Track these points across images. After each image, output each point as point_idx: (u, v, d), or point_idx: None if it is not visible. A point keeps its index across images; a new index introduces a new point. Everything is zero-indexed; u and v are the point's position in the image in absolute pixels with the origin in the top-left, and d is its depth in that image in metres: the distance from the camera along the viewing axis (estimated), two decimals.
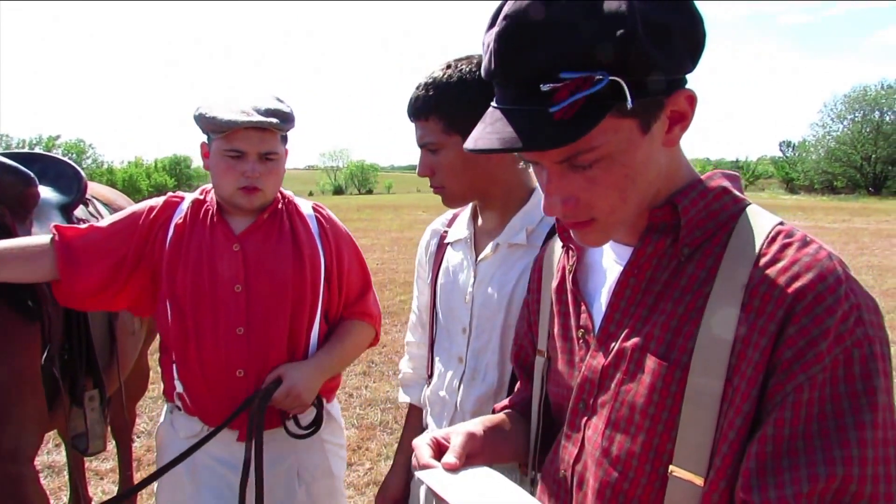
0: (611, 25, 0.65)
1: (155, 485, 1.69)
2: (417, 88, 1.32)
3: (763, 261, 0.72)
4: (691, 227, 0.77)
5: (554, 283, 0.97)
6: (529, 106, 0.68)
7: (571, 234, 0.85)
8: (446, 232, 1.51)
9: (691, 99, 0.74)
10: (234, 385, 1.59)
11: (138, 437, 3.76)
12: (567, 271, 0.93)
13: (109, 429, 2.74)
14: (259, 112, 1.56)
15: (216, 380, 1.59)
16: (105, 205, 2.32)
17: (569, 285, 0.92)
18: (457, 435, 0.86)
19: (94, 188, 2.44)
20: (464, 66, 1.30)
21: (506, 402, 1.11)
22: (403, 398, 1.67)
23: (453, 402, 1.42)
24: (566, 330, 0.92)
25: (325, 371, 1.66)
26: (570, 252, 0.93)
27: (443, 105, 1.29)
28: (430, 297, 1.53)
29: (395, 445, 1.72)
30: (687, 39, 0.71)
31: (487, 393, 1.34)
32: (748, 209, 0.78)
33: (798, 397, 0.66)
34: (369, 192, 67.76)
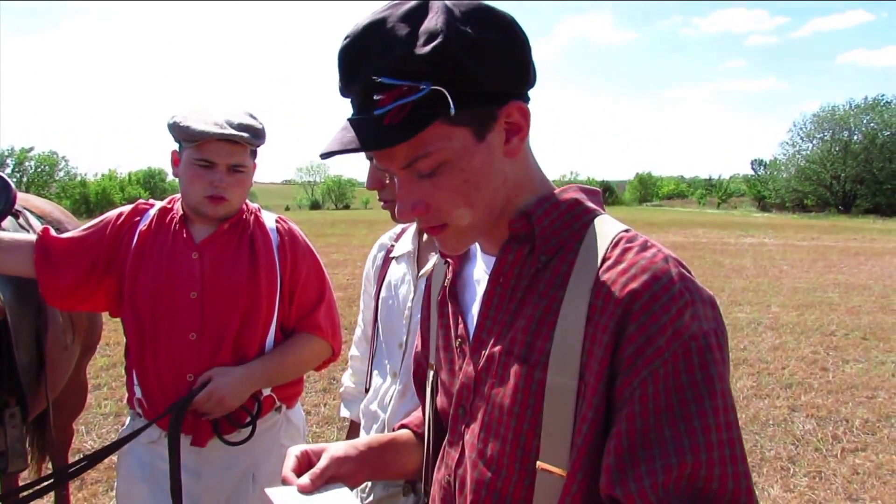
0: (427, 39, 0.72)
1: (114, 490, 1.78)
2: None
3: (606, 264, 0.77)
4: (545, 235, 0.82)
5: (437, 297, 1.01)
6: (366, 114, 0.75)
7: (438, 246, 0.89)
8: (393, 246, 1.52)
9: (523, 111, 0.80)
10: (185, 390, 1.63)
11: (83, 454, 3.61)
12: (445, 284, 0.98)
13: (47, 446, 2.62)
14: (232, 126, 1.62)
15: (169, 384, 1.64)
16: (38, 217, 2.29)
17: (448, 299, 0.96)
18: (325, 456, 0.90)
19: (30, 200, 2.42)
20: None
21: (402, 421, 1.12)
22: (344, 413, 1.68)
23: (383, 417, 1.40)
24: (448, 341, 0.96)
25: (256, 379, 1.67)
26: (450, 267, 0.97)
27: None
28: (373, 310, 1.52)
29: None
30: (507, 56, 0.77)
31: (415, 410, 1.26)
32: (597, 219, 0.84)
33: (644, 391, 0.71)
34: (346, 207, 67.59)
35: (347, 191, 76.28)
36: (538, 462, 0.78)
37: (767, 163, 55.09)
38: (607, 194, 58.23)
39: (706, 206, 54.82)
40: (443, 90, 0.71)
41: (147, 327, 1.65)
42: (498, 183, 0.82)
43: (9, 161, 46.50)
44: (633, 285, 0.73)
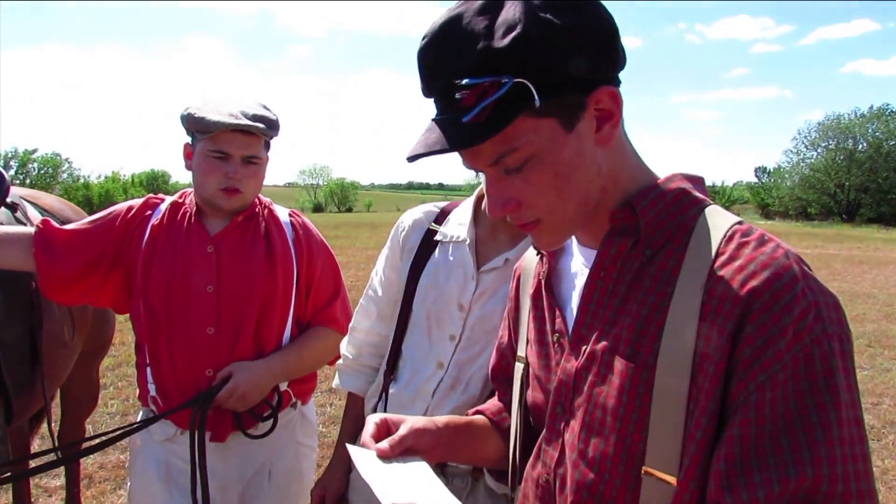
0: (506, 31, 0.70)
1: (128, 487, 1.77)
2: None
3: (720, 260, 0.72)
4: (650, 228, 0.78)
5: (531, 290, 0.99)
6: (450, 114, 0.73)
7: (533, 243, 0.88)
8: (435, 228, 1.43)
9: (614, 96, 0.76)
10: (204, 385, 1.61)
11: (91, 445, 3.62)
12: (541, 277, 0.95)
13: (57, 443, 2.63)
14: (247, 117, 1.61)
15: (186, 379, 1.62)
16: (42, 209, 2.23)
17: (543, 291, 0.94)
18: (405, 426, 0.89)
19: (41, 198, 2.35)
20: None
21: (476, 409, 1.12)
22: (345, 385, 1.59)
23: (424, 406, 1.36)
24: (542, 335, 0.93)
25: (277, 373, 1.66)
26: (544, 259, 0.95)
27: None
28: (402, 291, 1.45)
29: None
30: (591, 39, 0.73)
31: (465, 403, 1.29)
32: (707, 209, 0.79)
33: (761, 397, 0.66)
34: (349, 210, 67.62)
35: (350, 194, 76.41)
36: (644, 467, 0.74)
37: (771, 171, 55.04)
38: None
39: None
40: (526, 82, 0.69)
41: (163, 322, 1.63)
42: (591, 174, 0.78)
43: (12, 163, 46.71)
44: (753, 283, 0.69)
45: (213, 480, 1.65)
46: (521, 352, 1.00)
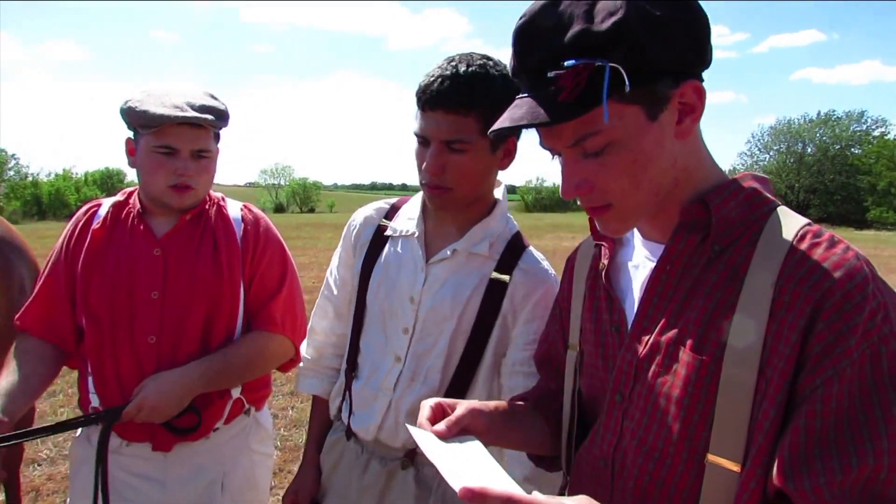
0: (606, 16, 0.72)
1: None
2: (454, 77, 1.18)
3: (792, 259, 0.75)
4: (722, 225, 0.80)
5: (587, 282, 1.01)
6: (540, 91, 0.75)
7: (597, 226, 0.89)
8: (385, 224, 1.44)
9: (699, 91, 0.78)
10: None
11: (39, 464, 3.50)
12: (600, 269, 0.96)
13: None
14: (193, 108, 1.50)
15: (130, 390, 1.51)
16: None
17: (601, 282, 0.95)
18: (461, 407, 0.91)
19: None
20: (500, 68, 1.22)
21: (517, 395, 1.13)
22: (306, 389, 1.58)
23: (387, 401, 1.37)
24: (599, 325, 0.95)
25: (194, 382, 1.51)
26: (603, 251, 0.96)
27: (488, 104, 1.18)
28: (356, 289, 1.46)
29: None
30: (686, 33, 0.75)
31: (426, 395, 1.29)
32: (778, 209, 0.81)
33: (828, 390, 0.69)
34: (311, 210, 66.90)
35: (313, 194, 75.55)
36: (708, 455, 0.77)
37: (727, 172, 56.35)
38: (572, 200, 58.83)
39: None
40: (619, 68, 0.71)
41: (106, 332, 1.53)
42: (667, 165, 0.80)
43: None
44: (826, 283, 0.71)
45: (162, 493, 1.58)
46: (573, 340, 1.02)
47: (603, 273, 0.96)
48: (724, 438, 0.76)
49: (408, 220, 1.41)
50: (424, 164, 1.24)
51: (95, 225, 1.59)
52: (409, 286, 1.35)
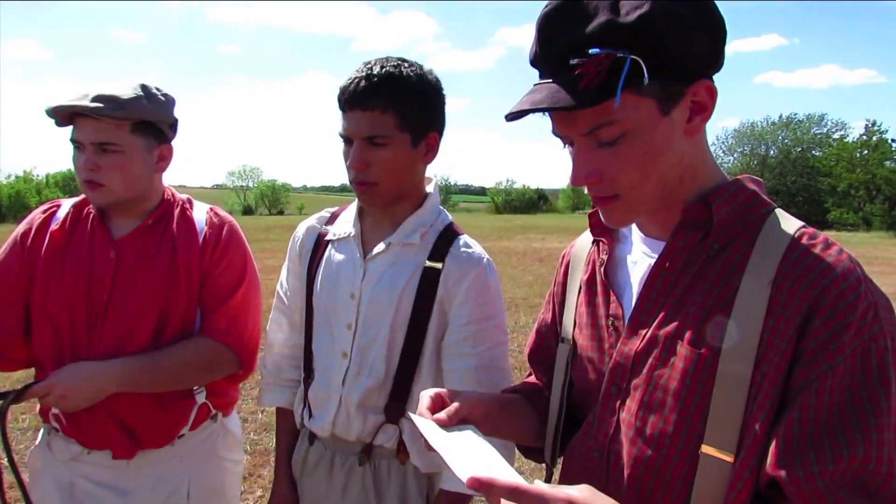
0: (631, 9, 0.75)
1: None
2: (369, 78, 1.26)
3: (790, 258, 0.78)
4: (723, 224, 0.83)
5: (584, 276, 1.03)
6: (561, 77, 0.77)
7: (600, 216, 0.91)
8: (326, 230, 1.50)
9: (711, 90, 0.81)
10: (109, 401, 1.45)
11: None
12: (598, 264, 0.99)
13: None
14: (88, 98, 1.41)
15: None
16: None
17: (599, 277, 0.98)
18: (459, 397, 0.93)
19: None
20: (415, 69, 1.30)
21: (510, 387, 1.17)
22: (269, 402, 1.61)
23: (337, 397, 1.41)
24: (595, 318, 0.98)
25: (113, 378, 1.43)
26: (602, 246, 0.99)
27: (402, 100, 1.27)
28: (304, 295, 1.50)
29: None
30: (704, 34, 0.78)
31: (373, 386, 1.38)
32: (776, 211, 0.84)
33: (822, 384, 0.72)
34: (280, 212, 66.23)
35: (282, 196, 74.85)
36: (703, 446, 0.80)
37: None
38: (541, 202, 59.24)
39: None
40: (640, 60, 0.73)
41: (66, 337, 1.48)
42: (674, 160, 0.83)
43: None
44: (822, 282, 0.75)
45: (125, 503, 1.54)
46: (565, 334, 1.05)
47: (601, 268, 0.98)
48: (718, 430, 0.78)
49: (345, 223, 1.48)
50: (349, 161, 1.31)
51: (54, 226, 1.53)
52: (349, 284, 1.40)
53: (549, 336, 1.13)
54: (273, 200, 73.49)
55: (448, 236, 1.40)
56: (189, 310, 1.55)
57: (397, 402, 1.39)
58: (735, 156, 46.43)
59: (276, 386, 1.61)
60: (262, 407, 4.45)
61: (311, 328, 1.49)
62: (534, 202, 58.50)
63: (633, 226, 0.96)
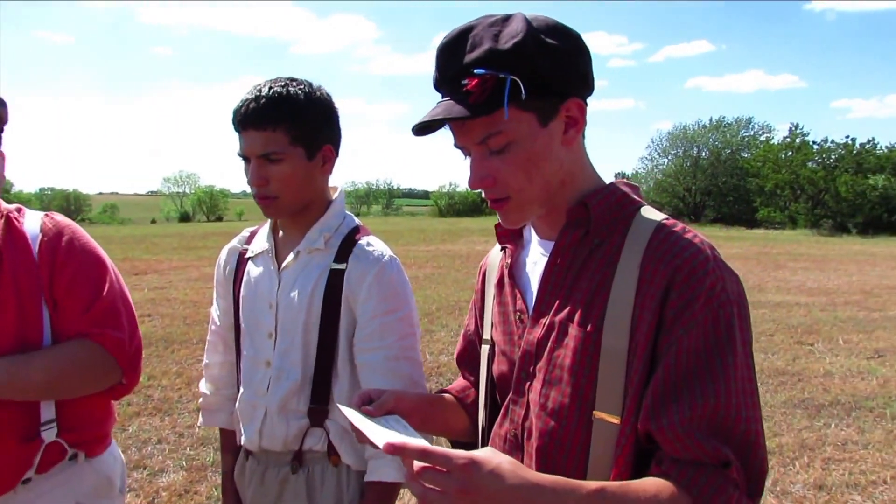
0: (508, 38, 0.90)
1: None
2: (258, 100, 1.35)
3: (653, 244, 0.91)
4: (599, 221, 0.97)
5: (495, 280, 1.16)
6: (455, 96, 0.92)
7: (501, 222, 1.05)
8: (245, 249, 1.58)
9: (581, 107, 0.96)
10: None
11: None
12: (505, 268, 1.12)
13: None
14: None
15: None
16: None
17: (506, 278, 1.11)
18: (388, 393, 1.04)
19: None
20: (303, 87, 1.39)
21: (441, 389, 1.27)
22: (210, 423, 1.64)
23: (264, 406, 1.46)
24: (506, 316, 1.10)
25: None
26: (508, 252, 1.12)
27: (292, 117, 1.35)
28: (232, 313, 1.57)
29: None
30: (571, 61, 0.93)
31: (292, 388, 1.43)
32: (643, 208, 0.99)
33: (679, 346, 0.85)
34: (219, 219, 64.61)
35: (220, 202, 73.10)
36: (594, 411, 0.91)
37: (629, 176, 58.94)
38: (485, 205, 59.66)
39: None
40: (517, 80, 0.87)
41: None
42: (555, 166, 0.96)
43: None
44: (676, 261, 0.88)
45: None
46: (486, 335, 1.16)
47: (507, 270, 1.11)
48: (606, 396, 0.90)
49: (261, 239, 1.56)
50: (249, 178, 1.40)
51: None
52: (267, 294, 1.48)
53: (473, 340, 1.25)
54: (211, 207, 71.69)
55: (352, 239, 1.46)
56: (27, 330, 1.37)
57: (319, 404, 1.43)
58: (669, 157, 47.98)
59: (214, 406, 1.64)
60: (199, 421, 4.31)
61: (240, 345, 1.54)
62: (477, 205, 58.84)
63: (532, 231, 1.09)
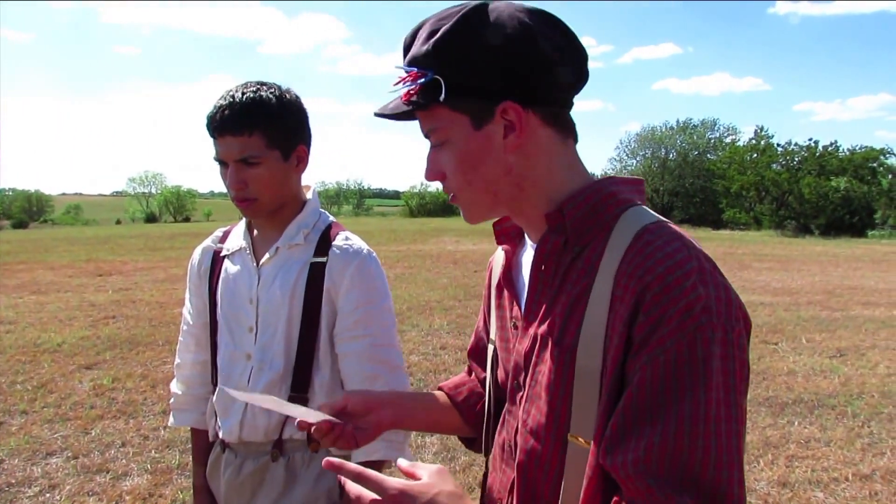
0: (430, 36, 0.88)
1: None
2: (231, 106, 1.38)
3: (629, 255, 0.81)
4: (576, 227, 0.88)
5: (495, 282, 1.11)
6: (397, 89, 0.92)
7: (502, 226, 1.05)
8: (220, 247, 1.61)
9: (518, 112, 0.87)
10: None
11: None
12: (504, 270, 1.06)
13: None
14: None
15: None
16: None
17: (504, 283, 1.05)
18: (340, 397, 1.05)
19: None
20: (274, 90, 1.43)
21: (440, 385, 1.25)
22: (181, 422, 1.65)
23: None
24: (503, 321, 1.05)
25: None
26: (506, 254, 1.07)
27: (266, 121, 1.39)
28: (208, 311, 1.59)
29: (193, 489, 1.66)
30: (508, 62, 0.86)
31: (274, 379, 1.47)
32: (628, 210, 0.88)
33: (643, 374, 0.75)
34: (187, 219, 63.53)
35: (187, 202, 71.92)
36: (568, 434, 0.85)
37: (600, 177, 59.35)
38: (457, 207, 59.71)
39: None
40: (440, 78, 0.85)
41: None
42: (497, 171, 0.91)
43: None
44: (647, 277, 0.76)
45: None
46: (492, 335, 1.12)
47: (501, 273, 1.06)
48: (580, 419, 0.83)
49: (236, 237, 1.60)
50: (228, 182, 1.43)
51: None
52: (246, 290, 1.52)
53: (482, 336, 1.22)
54: (178, 207, 70.49)
55: (329, 233, 1.53)
56: None
57: (299, 393, 1.47)
58: (638, 159, 48.65)
59: (186, 405, 1.66)
60: (165, 423, 4.22)
61: (215, 341, 1.57)
62: (448, 205, 58.89)
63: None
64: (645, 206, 0.90)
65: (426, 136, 0.94)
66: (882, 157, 34.46)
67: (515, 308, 1.00)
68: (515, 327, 1.00)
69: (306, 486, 1.47)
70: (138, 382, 5.04)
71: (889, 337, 7.16)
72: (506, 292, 1.05)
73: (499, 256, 1.13)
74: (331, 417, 0.99)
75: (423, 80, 0.87)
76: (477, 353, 1.24)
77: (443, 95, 0.85)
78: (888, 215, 30.99)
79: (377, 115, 0.95)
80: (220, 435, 1.54)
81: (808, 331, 7.36)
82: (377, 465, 1.47)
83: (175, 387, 1.69)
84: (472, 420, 1.18)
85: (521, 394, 0.96)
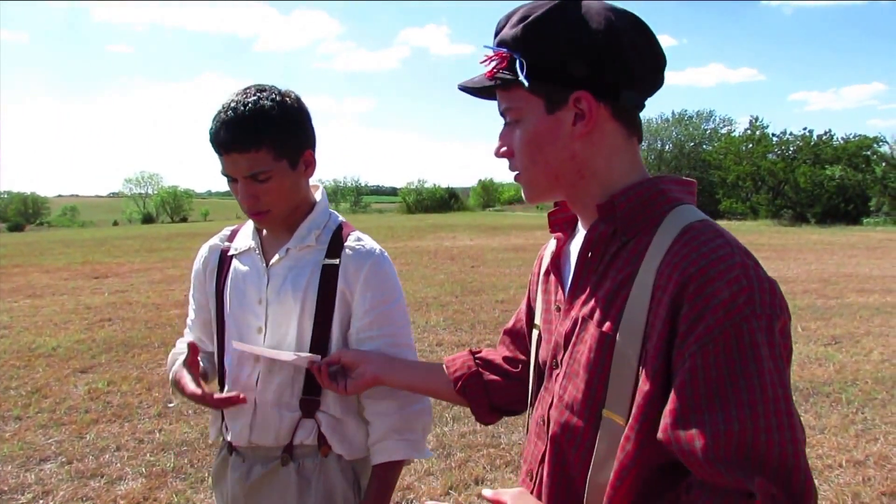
0: (520, 21, 0.95)
1: None
2: (235, 122, 1.33)
3: (674, 248, 0.87)
4: (626, 219, 0.95)
5: (544, 268, 1.17)
6: (483, 66, 1.00)
7: (557, 216, 1.12)
8: (228, 246, 1.59)
9: (590, 102, 0.93)
10: None
11: None
12: (553, 257, 1.12)
13: None
14: None
15: None
16: None
17: (551, 268, 1.12)
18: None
19: None
20: (274, 97, 1.38)
21: (470, 354, 1.36)
22: (180, 348, 1.59)
23: (252, 400, 1.47)
24: (548, 305, 1.12)
25: None
26: (557, 241, 1.13)
27: (272, 134, 1.36)
28: (214, 309, 1.57)
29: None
30: (589, 53, 0.92)
31: (285, 381, 1.46)
32: (677, 208, 0.94)
33: (693, 363, 0.80)
34: (183, 220, 63.47)
35: (184, 203, 71.85)
36: (604, 410, 0.92)
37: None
38: (452, 200, 59.70)
39: (544, 210, 58.01)
40: (524, 61, 0.93)
41: None
42: (563, 156, 0.97)
43: None
44: (691, 269, 0.82)
45: None
46: (537, 320, 1.18)
47: (551, 260, 1.13)
48: (615, 397, 0.90)
49: (245, 237, 1.58)
50: (239, 197, 1.41)
51: None
52: (255, 291, 1.50)
53: (522, 319, 1.31)
54: (175, 207, 70.44)
55: (341, 234, 1.52)
56: None
57: (311, 395, 1.46)
58: None
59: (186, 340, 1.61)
60: (160, 426, 4.22)
61: (222, 342, 1.54)
62: (445, 201, 58.76)
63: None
64: (694, 206, 0.95)
65: (502, 114, 1.01)
66: (875, 146, 34.44)
67: (560, 292, 1.07)
68: (558, 310, 1.06)
69: (321, 493, 1.46)
70: (134, 385, 5.04)
71: (883, 323, 7.19)
72: (552, 277, 1.11)
73: (550, 245, 1.21)
74: (316, 356, 1.23)
75: (508, 60, 0.94)
76: (512, 332, 1.34)
77: (524, 77, 0.92)
78: (882, 202, 31.00)
79: (461, 87, 1.02)
80: (228, 438, 1.52)
81: (803, 319, 7.37)
82: (398, 465, 1.49)
83: (181, 344, 1.62)
84: (459, 389, 1.29)
85: (558, 371, 1.02)
